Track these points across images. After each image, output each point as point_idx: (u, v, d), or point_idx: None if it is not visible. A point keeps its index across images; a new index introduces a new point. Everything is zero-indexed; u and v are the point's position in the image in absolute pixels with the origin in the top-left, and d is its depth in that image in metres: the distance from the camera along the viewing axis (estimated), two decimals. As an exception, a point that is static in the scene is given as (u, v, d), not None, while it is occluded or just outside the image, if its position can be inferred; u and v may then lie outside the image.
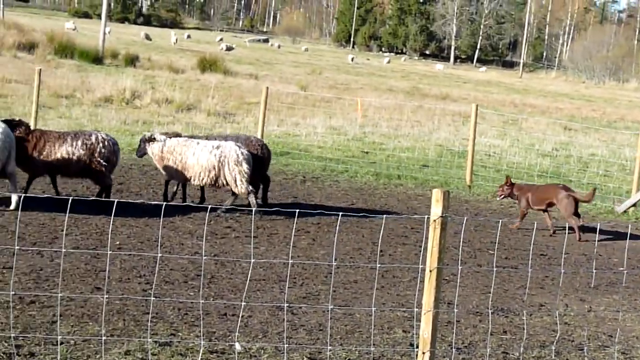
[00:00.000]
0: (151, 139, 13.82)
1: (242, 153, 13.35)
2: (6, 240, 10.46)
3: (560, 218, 15.43)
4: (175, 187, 14.16)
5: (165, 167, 13.68)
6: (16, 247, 9.24)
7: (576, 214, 14.65)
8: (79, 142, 12.91)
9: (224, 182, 13.35)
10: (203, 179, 13.35)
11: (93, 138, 13.05)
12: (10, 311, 7.79)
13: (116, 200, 7.64)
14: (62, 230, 11.17)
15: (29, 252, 10.03)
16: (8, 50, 41.86)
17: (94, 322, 7.90)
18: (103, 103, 26.76)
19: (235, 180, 13.26)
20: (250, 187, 13.41)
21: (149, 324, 7.86)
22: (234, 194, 13.79)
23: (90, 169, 12.97)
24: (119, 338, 7.55)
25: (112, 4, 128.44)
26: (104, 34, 50.02)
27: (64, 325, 7.66)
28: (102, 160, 12.96)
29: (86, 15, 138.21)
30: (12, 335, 7.17)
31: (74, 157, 12.80)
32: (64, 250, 9.81)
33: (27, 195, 12.58)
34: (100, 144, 13.00)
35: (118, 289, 9.08)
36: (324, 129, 26.10)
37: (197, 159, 13.28)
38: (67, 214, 10.55)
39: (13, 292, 8.22)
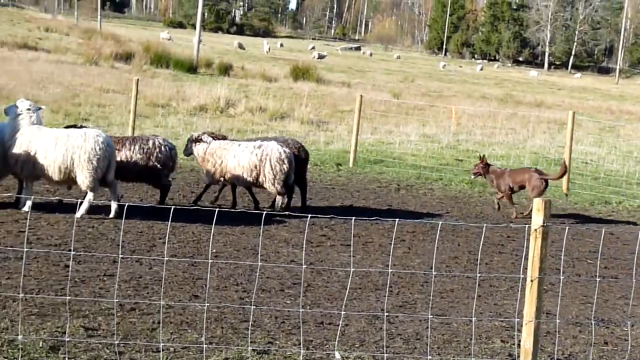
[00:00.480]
0: (198, 140, 13.95)
1: (284, 152, 13.50)
2: (106, 248, 10.63)
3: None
4: (217, 192, 14.32)
5: (207, 170, 13.83)
6: (120, 256, 9.40)
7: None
8: (137, 147, 13.14)
9: (263, 181, 13.46)
10: (245, 179, 13.47)
11: (150, 143, 13.27)
12: (114, 318, 7.91)
13: (217, 210, 7.69)
14: (161, 239, 11.32)
15: (129, 259, 10.17)
16: (106, 60, 42.66)
17: (193, 329, 7.97)
18: (198, 112, 27.08)
19: (274, 178, 13.37)
20: (284, 189, 13.53)
21: (248, 333, 7.90)
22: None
23: (147, 173, 13.20)
24: (217, 346, 7.60)
25: (206, 14, 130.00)
26: (199, 43, 50.62)
27: (164, 333, 7.75)
28: (158, 165, 13.16)
29: (180, 25, 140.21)
30: (115, 342, 7.27)
31: (132, 161, 13.02)
32: (165, 258, 9.91)
33: (128, 204, 12.76)
34: (157, 149, 13.20)
35: (216, 296, 9.15)
36: (417, 136, 26.00)
37: (237, 161, 13.41)
38: (169, 222, 10.72)
39: (116, 300, 8.34)
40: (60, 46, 51.81)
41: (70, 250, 10.20)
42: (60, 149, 11.87)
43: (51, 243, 10.54)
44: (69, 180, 12.11)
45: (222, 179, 13.80)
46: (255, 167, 13.36)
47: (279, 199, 13.67)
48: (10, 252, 9.82)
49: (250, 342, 7.73)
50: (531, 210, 14.68)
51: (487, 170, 16.01)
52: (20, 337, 7.09)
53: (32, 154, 11.88)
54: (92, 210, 12.22)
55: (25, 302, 8.13)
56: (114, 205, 12.32)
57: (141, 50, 47.17)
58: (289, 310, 8.83)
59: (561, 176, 16.40)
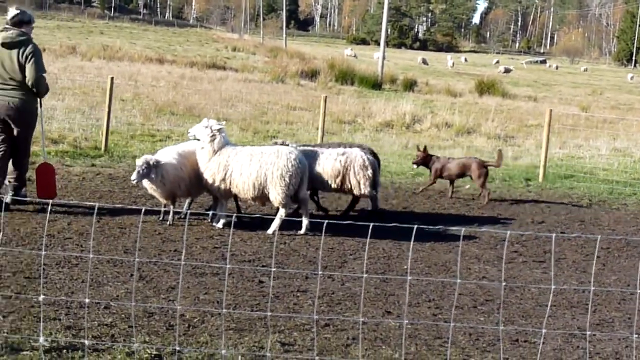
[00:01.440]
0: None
1: (367, 158, 13.53)
2: (299, 264, 10.76)
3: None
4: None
5: None
6: (318, 271, 9.49)
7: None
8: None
9: (349, 187, 13.47)
10: (330, 185, 13.46)
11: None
12: (309, 334, 7.99)
13: (416, 226, 7.65)
14: (352, 255, 11.39)
15: (320, 275, 10.26)
16: (291, 78, 43.41)
17: (387, 345, 7.95)
18: (384, 128, 27.20)
19: (359, 184, 13.36)
20: (373, 191, 13.65)
21: (444, 350, 7.84)
22: (354, 199, 14.08)
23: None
24: (412, 363, 7.57)
25: (389, 30, 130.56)
26: (383, 59, 50.88)
27: (359, 349, 7.77)
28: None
29: (364, 42, 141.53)
30: (312, 357, 7.34)
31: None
32: (364, 276, 9.94)
33: (322, 221, 12.90)
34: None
35: (409, 313, 9.12)
36: (608, 150, 25.32)
37: (322, 168, 13.34)
38: (367, 238, 10.76)
39: (316, 316, 8.42)
40: (247, 65, 53.09)
41: (263, 266, 10.40)
42: (254, 166, 12.11)
43: (245, 259, 10.74)
44: (262, 196, 12.33)
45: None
46: (339, 174, 13.42)
47: (373, 201, 13.93)
48: (206, 268, 10.07)
49: (444, 359, 7.66)
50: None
51: (426, 159, 16.65)
52: (223, 351, 7.24)
53: (228, 172, 12.17)
54: (284, 226, 12.39)
55: (222, 317, 8.31)
56: (305, 222, 12.47)
57: (326, 67, 47.82)
58: (482, 327, 8.71)
59: (498, 165, 16.64)
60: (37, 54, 12.23)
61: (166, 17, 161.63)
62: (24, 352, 6.95)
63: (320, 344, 7.83)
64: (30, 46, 12.17)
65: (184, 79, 37.98)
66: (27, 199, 12.49)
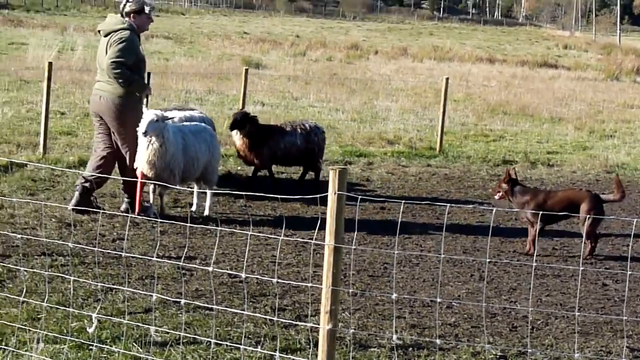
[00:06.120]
0: None
1: None
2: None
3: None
4: None
5: None
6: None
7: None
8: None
9: None
10: None
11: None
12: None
13: None
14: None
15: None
16: (627, 75, 41.98)
17: None
18: None
19: None
20: None
21: None
22: None
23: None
24: None
25: None
26: None
27: None
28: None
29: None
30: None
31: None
32: None
33: None
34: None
35: None
36: None
37: None
38: None
39: None
40: (580, 63, 51.90)
41: (607, 268, 10.11)
42: None
43: (587, 262, 10.46)
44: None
45: None
46: None
47: None
48: (547, 269, 9.90)
49: None
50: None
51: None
52: (576, 355, 7.10)
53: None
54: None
55: (567, 320, 8.14)
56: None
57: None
58: None
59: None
60: (123, 41, 10.79)
61: (495, 17, 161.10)
62: (372, 349, 7.13)
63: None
64: (120, 32, 10.86)
65: (515, 78, 37.66)
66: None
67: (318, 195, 6.32)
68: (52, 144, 15.15)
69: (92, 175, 10.92)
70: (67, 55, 31.34)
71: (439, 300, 8.14)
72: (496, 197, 11.13)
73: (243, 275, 7.44)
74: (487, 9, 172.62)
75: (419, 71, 39.03)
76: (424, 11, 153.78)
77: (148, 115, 10.61)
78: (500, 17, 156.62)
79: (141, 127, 10.53)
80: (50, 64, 14.92)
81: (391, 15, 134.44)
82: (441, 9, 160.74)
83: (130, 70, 10.81)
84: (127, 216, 10.23)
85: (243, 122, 13.00)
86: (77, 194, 10.95)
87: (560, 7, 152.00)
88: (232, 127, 13.14)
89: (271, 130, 13.50)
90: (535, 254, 10.05)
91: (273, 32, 67.88)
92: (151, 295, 7.43)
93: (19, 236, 9.11)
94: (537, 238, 10.28)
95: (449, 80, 18.88)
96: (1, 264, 8.44)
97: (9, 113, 17.97)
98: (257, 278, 8.73)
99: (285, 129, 13.51)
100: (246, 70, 17.69)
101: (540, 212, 10.43)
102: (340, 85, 29.32)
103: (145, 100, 11.19)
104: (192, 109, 13.80)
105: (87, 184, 10.94)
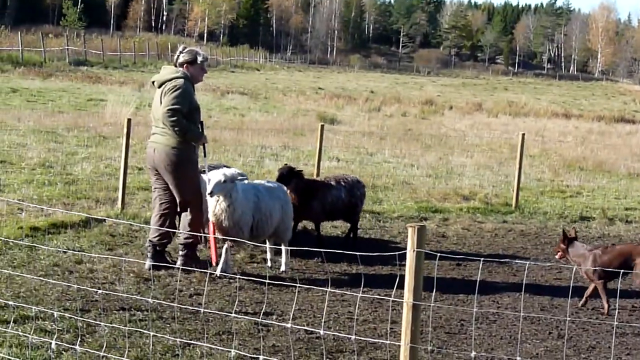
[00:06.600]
0: None
1: None
2: None
3: None
4: None
5: None
6: None
7: None
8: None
9: None
10: None
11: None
12: None
13: None
14: None
15: None
16: None
17: None
18: None
19: None
20: None
21: None
22: None
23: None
24: None
25: None
26: None
27: None
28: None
29: None
30: None
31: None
32: None
33: None
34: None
35: None
36: None
37: None
38: None
39: None
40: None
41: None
42: None
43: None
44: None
45: None
46: None
47: None
48: (626, 328, 9.75)
49: None
50: None
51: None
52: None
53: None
54: None
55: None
56: None
57: None
58: None
59: None
60: (178, 88, 10.70)
61: (570, 71, 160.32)
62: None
63: None
64: (175, 80, 10.78)
65: (592, 134, 37.39)
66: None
67: (397, 253, 6.32)
68: (130, 199, 15.32)
69: (156, 237, 11.01)
70: (144, 111, 31.82)
71: (518, 358, 8.05)
72: (557, 256, 10.93)
73: (321, 331, 7.46)
74: (562, 64, 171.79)
75: (494, 126, 38.90)
76: (498, 66, 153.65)
77: (216, 176, 10.61)
78: (575, 72, 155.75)
79: (208, 188, 10.55)
80: (129, 120, 15.15)
81: (465, 70, 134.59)
82: (516, 63, 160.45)
83: (185, 119, 10.72)
84: (205, 272, 10.31)
85: (288, 177, 12.97)
86: (149, 254, 11.09)
87: (636, 62, 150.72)
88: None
89: (318, 184, 13.51)
90: (607, 310, 9.92)
91: (347, 88, 68.33)
92: (229, 351, 7.48)
93: (99, 291, 9.25)
94: (605, 294, 10.18)
95: (525, 135, 18.79)
96: (81, 318, 8.54)
97: (88, 169, 18.24)
98: (335, 334, 8.73)
99: (330, 183, 13.53)
100: (322, 126, 17.79)
101: (599, 269, 10.29)
102: (415, 140, 29.36)
103: (203, 149, 11.18)
104: (228, 167, 13.83)
105: (155, 245, 11.07)
